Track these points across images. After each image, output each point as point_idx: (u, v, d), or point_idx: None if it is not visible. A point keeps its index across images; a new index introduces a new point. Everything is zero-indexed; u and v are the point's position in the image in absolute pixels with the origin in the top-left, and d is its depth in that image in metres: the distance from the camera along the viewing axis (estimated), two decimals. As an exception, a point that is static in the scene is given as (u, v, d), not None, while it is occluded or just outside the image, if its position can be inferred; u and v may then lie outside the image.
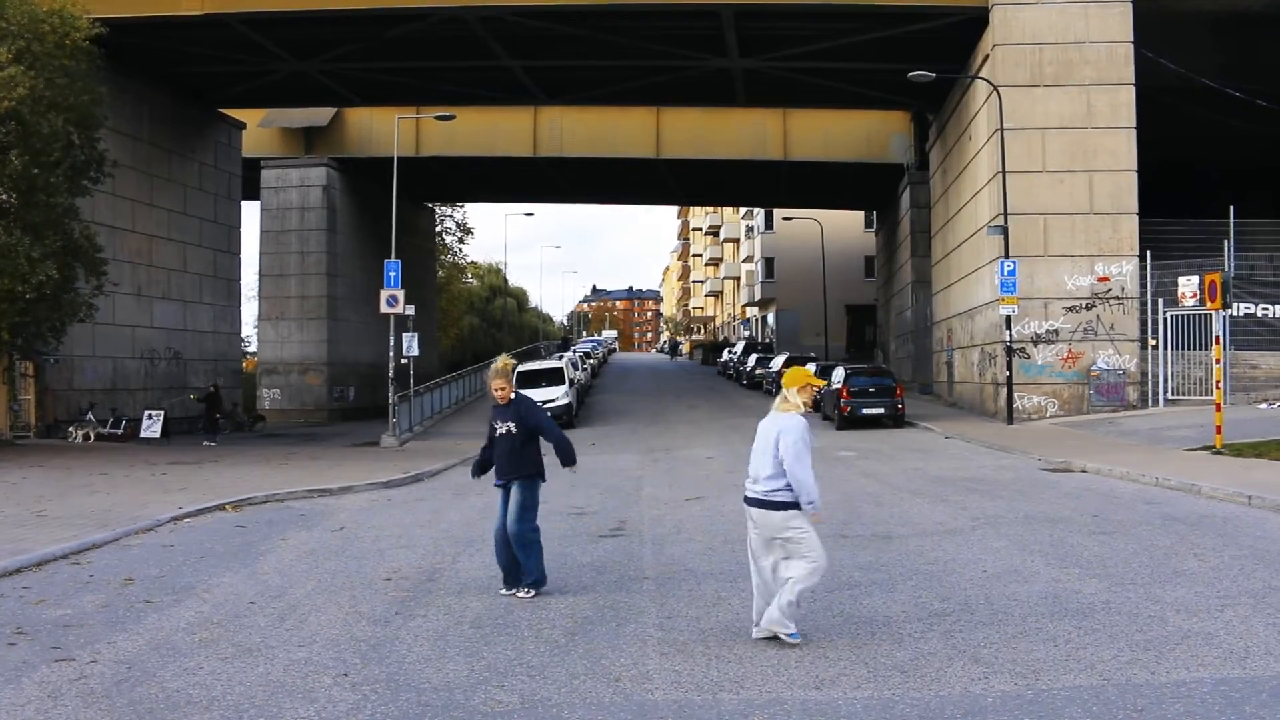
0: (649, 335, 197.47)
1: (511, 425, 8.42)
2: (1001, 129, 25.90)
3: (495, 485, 8.63)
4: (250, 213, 45.05)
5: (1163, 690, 5.61)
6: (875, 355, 51.51)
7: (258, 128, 42.80)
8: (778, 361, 42.26)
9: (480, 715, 5.51)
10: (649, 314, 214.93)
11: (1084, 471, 16.51)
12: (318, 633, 7.35)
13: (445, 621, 7.60)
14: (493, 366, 8.65)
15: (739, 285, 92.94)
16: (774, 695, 5.72)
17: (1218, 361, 18.59)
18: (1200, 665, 6.05)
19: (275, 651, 6.86)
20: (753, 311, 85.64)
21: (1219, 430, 17.55)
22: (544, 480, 8.67)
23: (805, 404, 6.84)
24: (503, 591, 8.45)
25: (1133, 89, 26.01)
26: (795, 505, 6.68)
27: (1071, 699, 5.51)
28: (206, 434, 29.01)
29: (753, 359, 49.06)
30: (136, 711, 5.69)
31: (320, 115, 43.78)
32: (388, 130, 36.44)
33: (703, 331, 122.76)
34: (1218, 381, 18.28)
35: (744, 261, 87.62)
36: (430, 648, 6.88)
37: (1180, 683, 5.73)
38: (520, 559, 8.37)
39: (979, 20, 27.48)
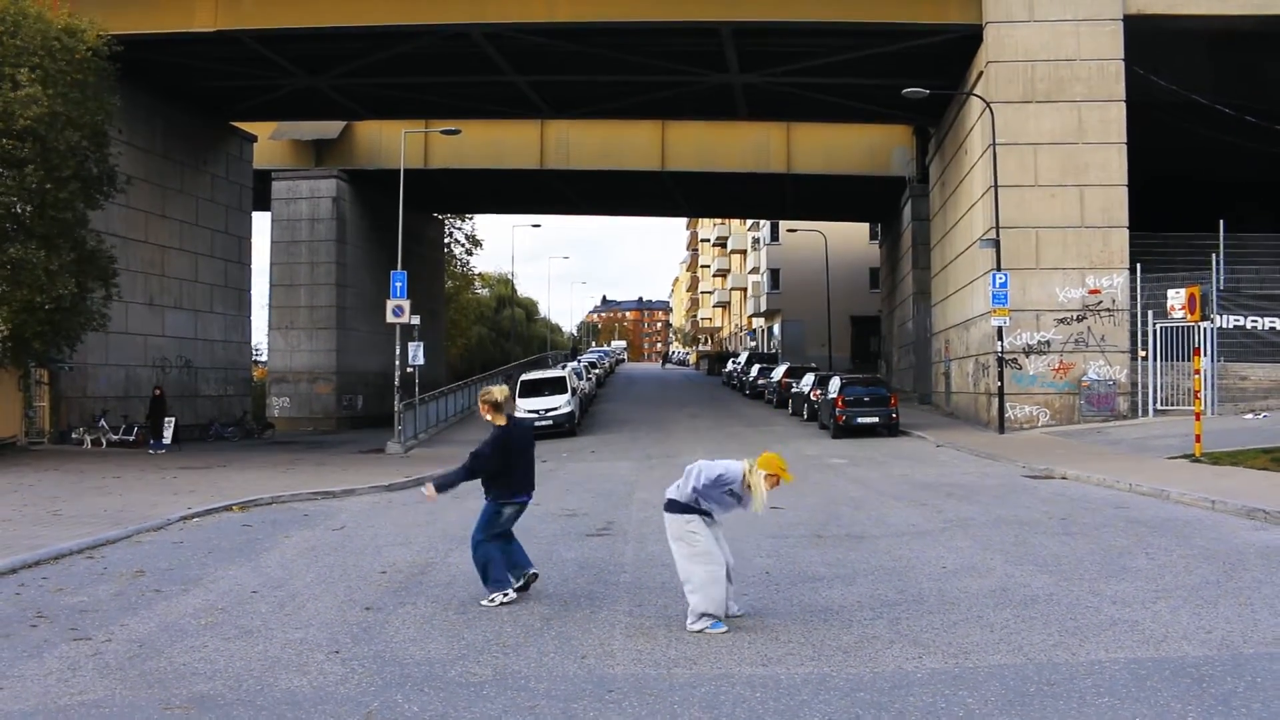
0: (658, 346, 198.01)
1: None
2: (994, 144, 26.44)
3: (526, 501, 8.93)
4: (261, 224, 45.96)
5: (1078, 668, 6.16)
6: (878, 366, 52.00)
7: (269, 140, 43.62)
8: (778, 372, 42.79)
9: (456, 685, 6.09)
10: (659, 324, 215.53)
11: (1064, 478, 17.01)
12: (314, 617, 7.95)
13: (432, 608, 8.19)
14: (491, 396, 8.83)
15: (746, 296, 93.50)
16: (724, 671, 6.29)
17: (1197, 372, 19.09)
18: (1119, 648, 6.59)
19: (274, 633, 7.46)
20: (759, 322, 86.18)
21: (1198, 439, 18.04)
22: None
23: (763, 489, 7.36)
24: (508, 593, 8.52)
25: (1123, 105, 26.54)
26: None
27: (993, 675, 6.07)
28: (153, 440, 28.44)
29: (755, 369, 49.59)
30: (147, 681, 6.29)
31: (330, 128, 44.56)
32: (396, 143, 37.15)
33: (710, 342, 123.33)
34: (1197, 392, 18.77)
35: (750, 273, 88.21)
36: (416, 630, 7.48)
37: (1096, 662, 6.28)
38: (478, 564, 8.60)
39: (973, 37, 28.03)
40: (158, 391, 29.94)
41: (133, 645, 7.16)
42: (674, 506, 7.55)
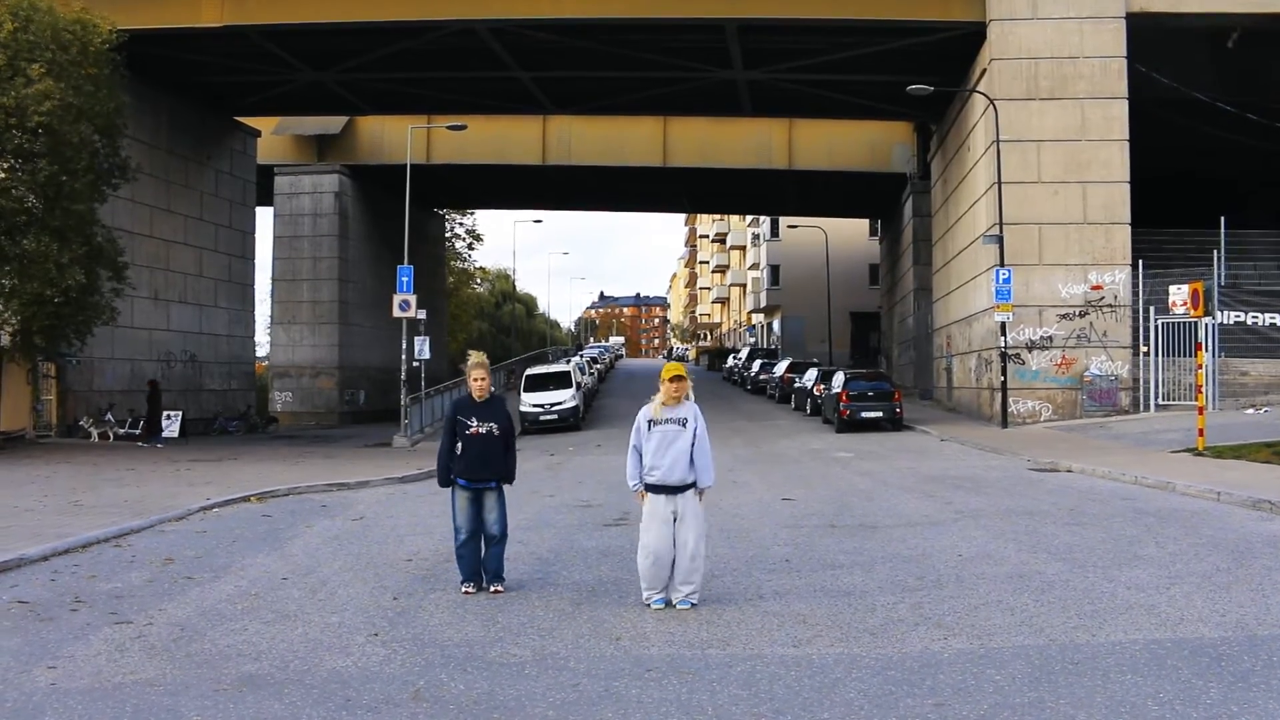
0: (656, 342, 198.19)
1: (494, 426, 8.35)
2: (998, 141, 26.63)
3: (467, 486, 8.36)
4: (263, 219, 46.05)
5: (1099, 649, 6.35)
6: (879, 362, 52.20)
7: (271, 135, 43.70)
8: (781, 367, 43.00)
9: (497, 665, 6.28)
10: (656, 320, 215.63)
11: (1069, 471, 17.21)
12: (347, 603, 8.13)
13: (462, 595, 8.36)
14: (472, 359, 8.61)
15: (745, 292, 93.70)
16: (756, 652, 6.48)
17: (1200, 367, 19.30)
18: (1137, 630, 6.79)
19: (311, 617, 7.64)
20: (758, 318, 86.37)
21: (1201, 433, 18.25)
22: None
23: (662, 400, 7.76)
24: (465, 589, 8.37)
25: (1126, 103, 26.73)
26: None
27: (1018, 655, 6.26)
28: (151, 436, 27.92)
29: (757, 365, 49.79)
30: (194, 661, 6.47)
31: (333, 123, 44.69)
32: (399, 138, 37.29)
33: (709, 338, 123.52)
34: (1199, 386, 18.98)
35: (750, 269, 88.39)
36: (450, 614, 7.66)
37: (1116, 643, 6.47)
38: (499, 561, 8.45)
39: (977, 35, 28.23)
40: (150, 384, 29.81)
41: (174, 628, 7.34)
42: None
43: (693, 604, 7.65)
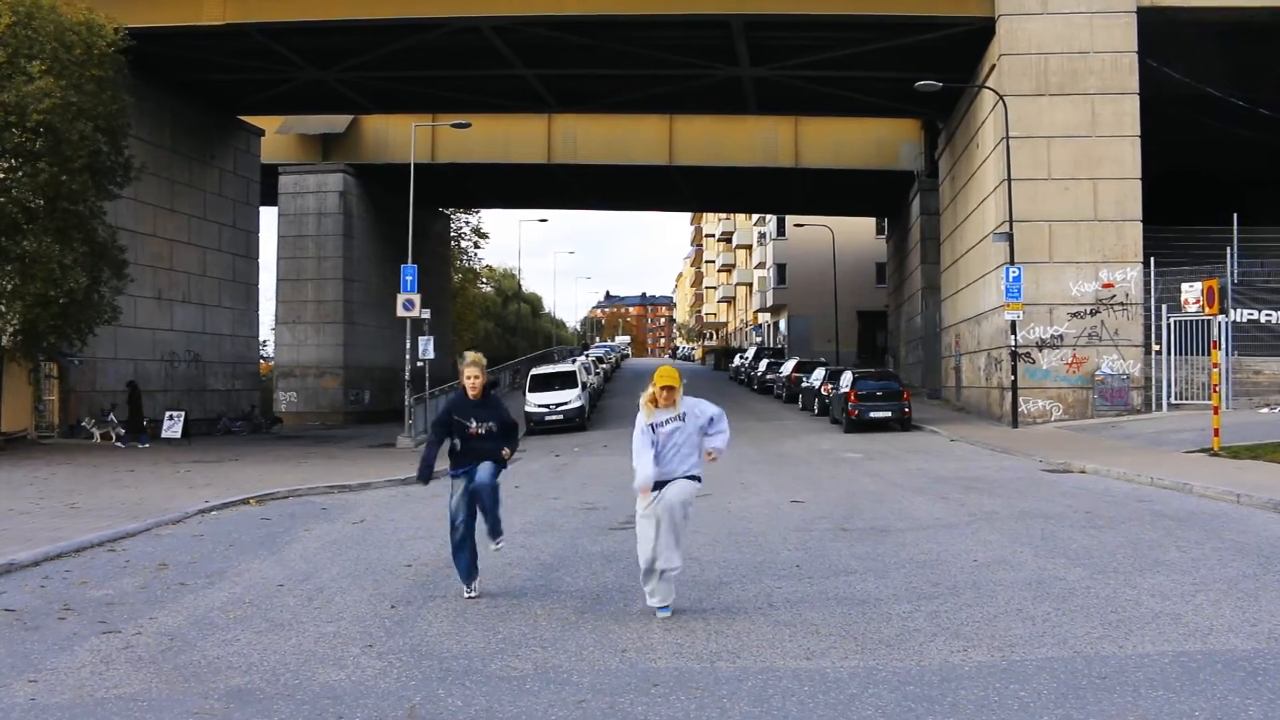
0: (662, 341, 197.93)
1: (492, 425, 8.31)
2: (1007, 137, 26.31)
3: (455, 474, 8.37)
4: (267, 218, 45.88)
5: (1127, 661, 6.06)
6: (886, 361, 51.88)
7: (275, 134, 43.51)
8: (788, 366, 42.71)
9: (497, 679, 6.01)
10: (662, 320, 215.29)
11: (1082, 472, 16.92)
12: (344, 611, 7.87)
13: (462, 602, 8.10)
14: (468, 358, 8.53)
15: (751, 291, 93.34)
16: (767, 664, 6.20)
17: (1215, 366, 18.98)
18: (1165, 641, 6.50)
19: (305, 626, 7.38)
20: (765, 317, 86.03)
21: (1216, 433, 17.94)
22: None
23: (647, 403, 7.57)
24: (469, 594, 8.23)
25: (1137, 98, 26.41)
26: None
27: (1042, 668, 5.98)
28: (137, 435, 27.78)
29: (763, 364, 49.49)
30: (182, 674, 6.21)
31: (337, 122, 44.48)
32: (403, 137, 37.08)
33: (715, 337, 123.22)
34: (1215, 385, 18.66)
35: (756, 268, 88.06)
36: (449, 624, 7.39)
37: (1144, 655, 6.18)
38: (495, 513, 8.32)
39: (986, 30, 27.94)
40: (129, 385, 29.55)
41: (163, 638, 7.09)
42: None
43: (671, 573, 7.46)
